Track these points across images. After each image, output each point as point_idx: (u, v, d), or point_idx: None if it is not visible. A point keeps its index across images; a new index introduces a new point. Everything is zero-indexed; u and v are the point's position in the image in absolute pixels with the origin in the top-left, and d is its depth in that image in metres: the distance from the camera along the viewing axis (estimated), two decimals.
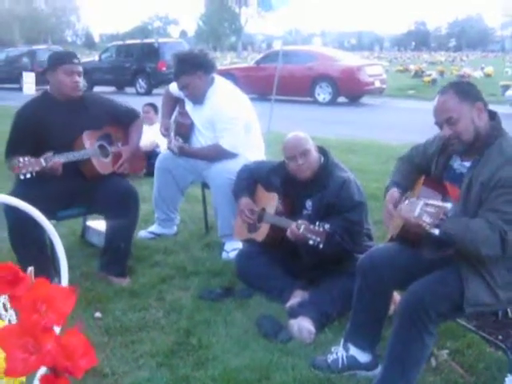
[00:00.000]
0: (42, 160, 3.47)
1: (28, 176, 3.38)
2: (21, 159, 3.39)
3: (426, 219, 2.24)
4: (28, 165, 3.39)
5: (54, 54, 4.03)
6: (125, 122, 4.13)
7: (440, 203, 2.28)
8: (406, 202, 2.44)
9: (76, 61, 3.78)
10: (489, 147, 2.44)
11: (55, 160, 3.55)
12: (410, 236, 2.53)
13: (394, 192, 2.77)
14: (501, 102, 14.26)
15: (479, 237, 2.30)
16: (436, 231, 2.28)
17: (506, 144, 2.44)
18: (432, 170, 2.72)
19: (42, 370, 1.23)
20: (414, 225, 2.33)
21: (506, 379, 2.59)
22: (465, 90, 2.48)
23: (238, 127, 4.30)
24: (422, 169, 2.81)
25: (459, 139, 2.45)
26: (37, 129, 3.70)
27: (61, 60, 3.75)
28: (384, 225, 2.93)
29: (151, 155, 5.98)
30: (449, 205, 2.30)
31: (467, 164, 2.53)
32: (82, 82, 3.80)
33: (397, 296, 3.02)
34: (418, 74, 25.52)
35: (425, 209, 2.25)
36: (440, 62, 37.03)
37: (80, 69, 3.79)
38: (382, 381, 2.51)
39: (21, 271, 1.17)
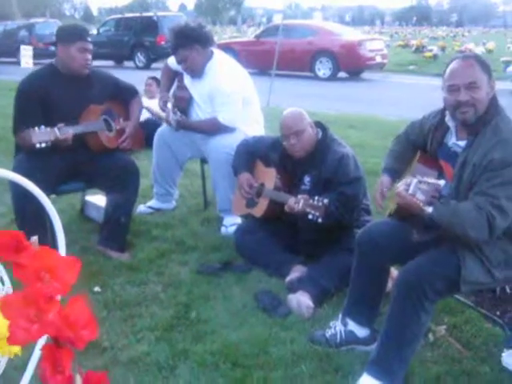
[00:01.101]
0: (56, 130, 3.48)
1: (43, 145, 3.39)
2: (37, 128, 3.39)
3: (420, 196, 2.24)
4: (44, 133, 3.41)
5: (67, 28, 3.97)
6: (125, 98, 4.14)
7: (433, 180, 2.27)
8: (402, 180, 2.44)
9: (89, 38, 3.76)
10: (485, 126, 2.41)
11: (69, 131, 3.57)
12: (406, 213, 2.52)
13: (384, 180, 2.78)
14: (502, 77, 14.16)
15: (467, 221, 2.30)
16: (429, 209, 2.28)
17: (503, 124, 2.41)
18: (428, 146, 2.70)
19: (42, 341, 1.23)
20: (408, 202, 2.33)
21: (503, 354, 2.61)
22: (485, 63, 2.45)
23: (236, 102, 4.27)
24: (419, 145, 2.79)
25: (475, 107, 2.39)
26: (43, 101, 3.67)
27: (76, 36, 3.69)
28: (375, 204, 2.93)
29: (148, 124, 5.97)
30: (442, 182, 2.30)
31: (462, 143, 2.50)
32: (91, 59, 3.78)
33: (394, 272, 3.03)
34: (419, 50, 25.32)
35: (419, 186, 2.25)
36: (441, 38, 36.75)
37: (91, 46, 3.77)
38: (377, 357, 2.52)
39: (25, 239, 1.17)
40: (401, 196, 2.36)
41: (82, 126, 3.73)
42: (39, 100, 3.67)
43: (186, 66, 4.33)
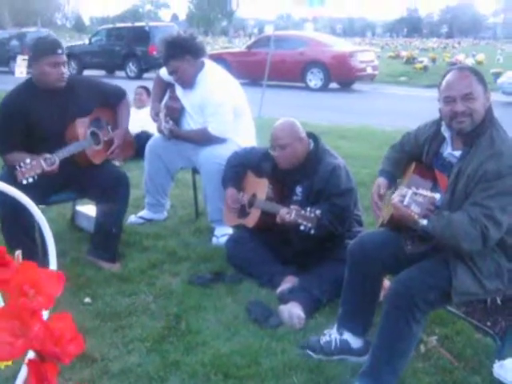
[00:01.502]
0: (42, 162, 3.39)
1: (30, 181, 3.28)
2: (22, 164, 3.30)
3: (415, 209, 2.24)
4: (30, 169, 3.31)
5: (36, 44, 3.79)
6: (113, 102, 4.05)
7: (429, 193, 2.28)
8: (397, 191, 2.45)
9: (60, 51, 3.61)
10: (480, 137, 2.43)
11: (56, 159, 3.47)
12: (399, 223, 2.53)
13: (381, 181, 2.79)
14: (493, 89, 14.24)
15: (460, 232, 2.31)
16: (424, 221, 2.29)
17: (497, 136, 2.43)
18: (423, 157, 2.71)
19: (30, 355, 1.22)
20: (403, 213, 2.33)
21: (494, 365, 2.61)
22: (480, 75, 2.49)
23: (227, 113, 4.27)
24: (414, 156, 2.80)
25: (471, 117, 2.42)
26: (25, 120, 3.60)
27: (46, 51, 3.57)
28: (372, 211, 2.94)
29: (140, 137, 5.94)
30: (437, 195, 2.30)
31: (457, 153, 2.52)
32: (66, 71, 3.66)
33: (387, 282, 3.03)
34: (410, 61, 25.48)
35: (414, 198, 2.25)
36: (432, 49, 37.00)
37: (64, 58, 3.64)
38: (369, 368, 2.52)
39: (7, 254, 1.16)
40: (396, 207, 2.37)
41: (67, 148, 3.61)
42: (21, 119, 3.60)
43: (177, 76, 4.33)
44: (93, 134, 3.87)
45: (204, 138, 4.31)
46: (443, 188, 2.55)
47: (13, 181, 3.08)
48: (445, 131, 2.59)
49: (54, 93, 3.68)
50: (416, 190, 2.28)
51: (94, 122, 3.90)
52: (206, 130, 4.28)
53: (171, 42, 4.28)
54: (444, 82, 2.49)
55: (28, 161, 3.33)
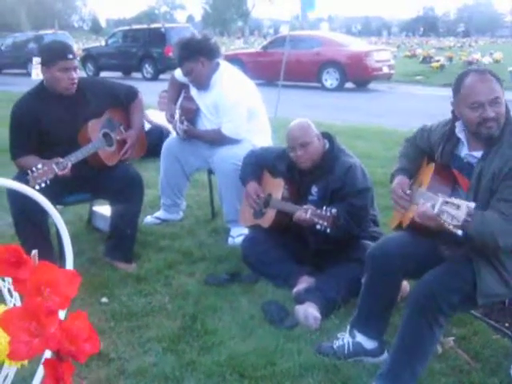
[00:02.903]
0: (54, 166, 3.38)
1: (43, 185, 3.24)
2: (34, 169, 3.28)
3: (448, 219, 2.15)
4: (42, 174, 3.29)
5: (47, 50, 3.78)
6: (125, 102, 4.03)
7: (462, 202, 2.18)
8: (422, 200, 2.39)
9: (71, 56, 3.59)
10: (501, 137, 2.41)
11: (68, 163, 3.46)
12: (420, 227, 2.49)
13: (403, 179, 2.74)
14: (510, 87, 14.12)
15: (496, 229, 2.27)
16: (459, 232, 2.19)
17: None
18: (437, 157, 2.68)
19: (47, 355, 1.23)
20: (431, 221, 2.29)
21: None
22: (498, 77, 2.45)
23: (241, 114, 4.28)
24: (426, 153, 2.80)
25: (498, 122, 2.40)
26: (37, 125, 3.61)
27: (56, 56, 3.55)
28: (394, 208, 2.89)
29: (152, 134, 5.98)
30: (472, 204, 2.20)
31: (476, 154, 2.50)
32: (77, 76, 3.65)
33: (404, 283, 3.01)
34: (426, 60, 25.33)
35: (444, 207, 2.17)
36: (448, 48, 36.78)
37: (76, 63, 3.65)
38: (388, 371, 2.49)
39: (24, 254, 1.17)
40: (427, 216, 2.32)
41: (79, 152, 3.59)
42: (33, 124, 3.61)
43: (191, 78, 4.35)
44: (105, 135, 3.87)
45: (217, 139, 4.32)
46: (464, 188, 2.53)
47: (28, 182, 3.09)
48: (459, 132, 2.56)
49: (65, 97, 3.67)
50: (446, 198, 2.20)
51: (106, 124, 3.89)
52: (220, 130, 4.29)
53: (185, 44, 4.30)
54: (467, 87, 2.43)
55: (40, 166, 3.32)
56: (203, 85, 4.37)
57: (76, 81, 3.65)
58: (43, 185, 3.26)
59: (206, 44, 4.30)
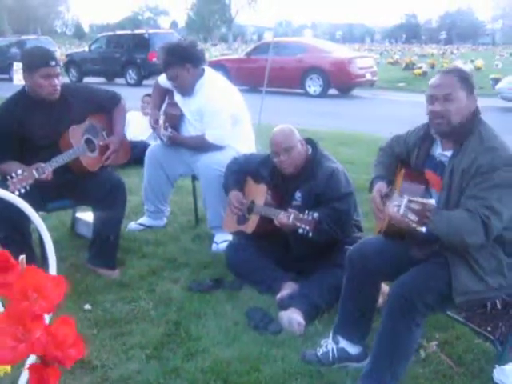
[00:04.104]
0: (34, 171, 3.36)
1: (22, 191, 3.23)
2: (13, 175, 3.27)
3: (412, 217, 2.24)
4: (21, 179, 3.28)
5: (29, 56, 3.74)
6: (107, 107, 4.02)
7: (424, 200, 2.27)
8: (391, 200, 2.45)
9: (53, 63, 3.55)
10: (469, 136, 2.47)
11: (48, 170, 3.44)
12: (396, 231, 2.54)
13: (381, 186, 2.78)
14: (491, 94, 14.29)
15: (462, 227, 2.32)
16: (423, 229, 2.28)
17: (485, 132, 2.47)
18: (412, 160, 2.74)
19: (32, 359, 1.22)
20: (400, 223, 2.34)
21: (494, 370, 2.61)
22: (466, 77, 2.51)
23: (225, 120, 4.28)
24: (402, 159, 2.84)
25: (448, 119, 2.46)
26: (19, 131, 3.59)
27: (38, 62, 3.53)
28: (375, 218, 2.94)
29: (137, 146, 5.95)
30: (433, 201, 2.30)
31: (448, 153, 2.55)
32: (59, 83, 3.62)
33: (385, 288, 3.03)
34: (409, 67, 25.52)
35: (409, 206, 2.24)
36: (431, 55, 37.06)
37: (58, 70, 3.61)
38: (369, 372, 2.52)
39: (11, 258, 1.16)
40: (392, 217, 2.38)
41: (60, 157, 3.57)
42: (14, 130, 3.58)
43: (176, 84, 4.35)
44: (88, 141, 3.85)
45: (201, 145, 4.32)
46: (437, 188, 2.57)
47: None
48: (434, 133, 2.62)
49: (47, 102, 3.65)
50: (411, 197, 2.28)
51: (88, 129, 3.87)
52: (204, 137, 4.29)
53: (172, 49, 4.29)
54: (429, 83, 2.56)
55: (20, 171, 3.30)
56: (187, 91, 4.36)
57: (58, 87, 3.62)
58: (23, 190, 3.25)
59: (193, 51, 4.30)
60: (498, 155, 2.37)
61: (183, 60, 4.22)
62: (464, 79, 2.49)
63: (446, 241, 2.39)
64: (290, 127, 3.58)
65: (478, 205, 2.32)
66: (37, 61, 3.56)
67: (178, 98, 4.49)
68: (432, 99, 2.50)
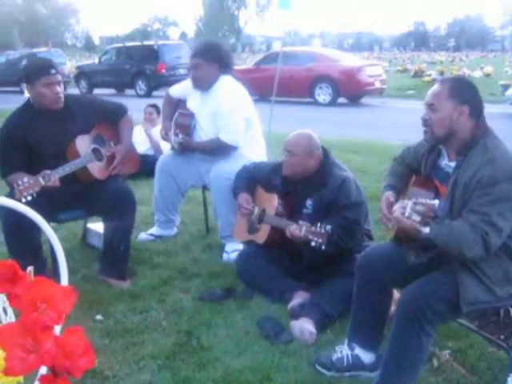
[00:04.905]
0: (40, 179, 3.39)
1: (29, 198, 3.25)
2: (19, 182, 3.29)
3: (415, 218, 2.24)
4: (28, 187, 3.30)
5: (29, 67, 3.82)
6: (114, 119, 4.05)
7: (428, 201, 2.27)
8: (398, 203, 2.45)
9: (53, 71, 3.60)
10: (473, 147, 2.45)
11: (55, 177, 3.47)
12: (405, 237, 2.53)
13: (389, 195, 2.77)
14: (501, 101, 14.24)
15: (462, 240, 2.31)
16: (426, 229, 2.29)
17: (490, 143, 2.44)
18: (422, 170, 2.74)
19: (43, 371, 1.22)
20: (405, 225, 2.33)
21: (508, 379, 2.58)
22: (459, 88, 2.50)
23: (239, 122, 4.31)
24: (413, 168, 2.84)
25: (431, 128, 2.50)
26: (26, 142, 3.63)
27: (38, 72, 3.58)
28: (383, 226, 2.93)
29: (148, 159, 5.95)
30: (436, 201, 2.30)
31: (452, 164, 2.54)
32: (62, 91, 3.66)
33: (397, 295, 3.01)
34: (418, 74, 25.52)
35: (414, 208, 2.26)
36: (440, 62, 37.02)
37: (59, 78, 3.64)
38: (379, 382, 2.50)
39: (20, 270, 1.17)
40: (397, 220, 2.37)
41: (67, 166, 3.60)
42: (21, 141, 3.62)
43: (194, 74, 4.38)
44: (95, 150, 3.87)
45: (216, 147, 4.33)
46: (444, 198, 2.56)
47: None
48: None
49: (52, 113, 3.69)
50: (416, 199, 2.29)
51: (95, 139, 3.90)
52: (218, 138, 4.31)
53: (209, 44, 4.46)
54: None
55: (26, 179, 3.33)
56: (202, 85, 4.40)
57: (61, 95, 3.66)
58: (30, 198, 3.27)
59: (226, 56, 4.44)
60: (499, 167, 2.35)
61: (214, 59, 4.33)
62: (455, 88, 2.48)
63: (445, 250, 2.39)
64: (310, 136, 3.58)
65: (478, 220, 2.31)
66: (37, 71, 3.61)
67: (193, 100, 4.51)
68: (424, 107, 2.56)
